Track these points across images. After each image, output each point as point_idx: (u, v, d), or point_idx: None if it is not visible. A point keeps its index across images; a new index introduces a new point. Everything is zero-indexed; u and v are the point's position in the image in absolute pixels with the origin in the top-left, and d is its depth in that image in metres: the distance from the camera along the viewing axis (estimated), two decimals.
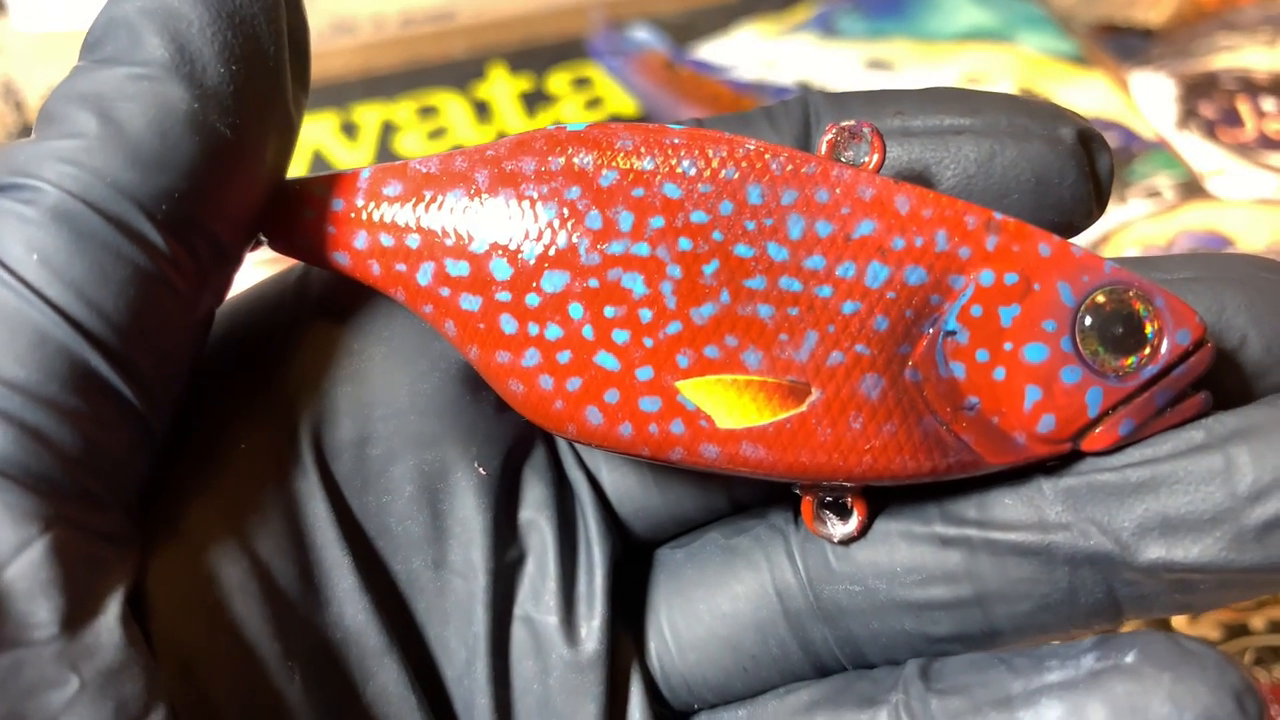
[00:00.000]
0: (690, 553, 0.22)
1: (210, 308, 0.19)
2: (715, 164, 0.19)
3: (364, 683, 0.20)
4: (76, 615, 0.16)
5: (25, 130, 0.51)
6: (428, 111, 0.53)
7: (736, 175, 0.19)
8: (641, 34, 0.57)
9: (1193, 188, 0.47)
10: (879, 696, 0.20)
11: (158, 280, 0.17)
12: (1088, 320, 0.18)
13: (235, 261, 0.19)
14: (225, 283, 0.19)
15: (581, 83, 0.55)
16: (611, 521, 0.22)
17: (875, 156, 0.19)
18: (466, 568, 0.21)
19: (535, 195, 0.19)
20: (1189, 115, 0.49)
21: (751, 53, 0.56)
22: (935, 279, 0.19)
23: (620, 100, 0.54)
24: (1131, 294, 0.18)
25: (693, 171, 0.19)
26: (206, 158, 0.18)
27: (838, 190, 0.19)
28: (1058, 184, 0.20)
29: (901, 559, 0.20)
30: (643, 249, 0.19)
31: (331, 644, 0.20)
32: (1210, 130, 0.48)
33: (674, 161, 0.19)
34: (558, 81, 0.55)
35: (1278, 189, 0.46)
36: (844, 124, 0.19)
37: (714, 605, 0.21)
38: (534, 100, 0.53)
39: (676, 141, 0.19)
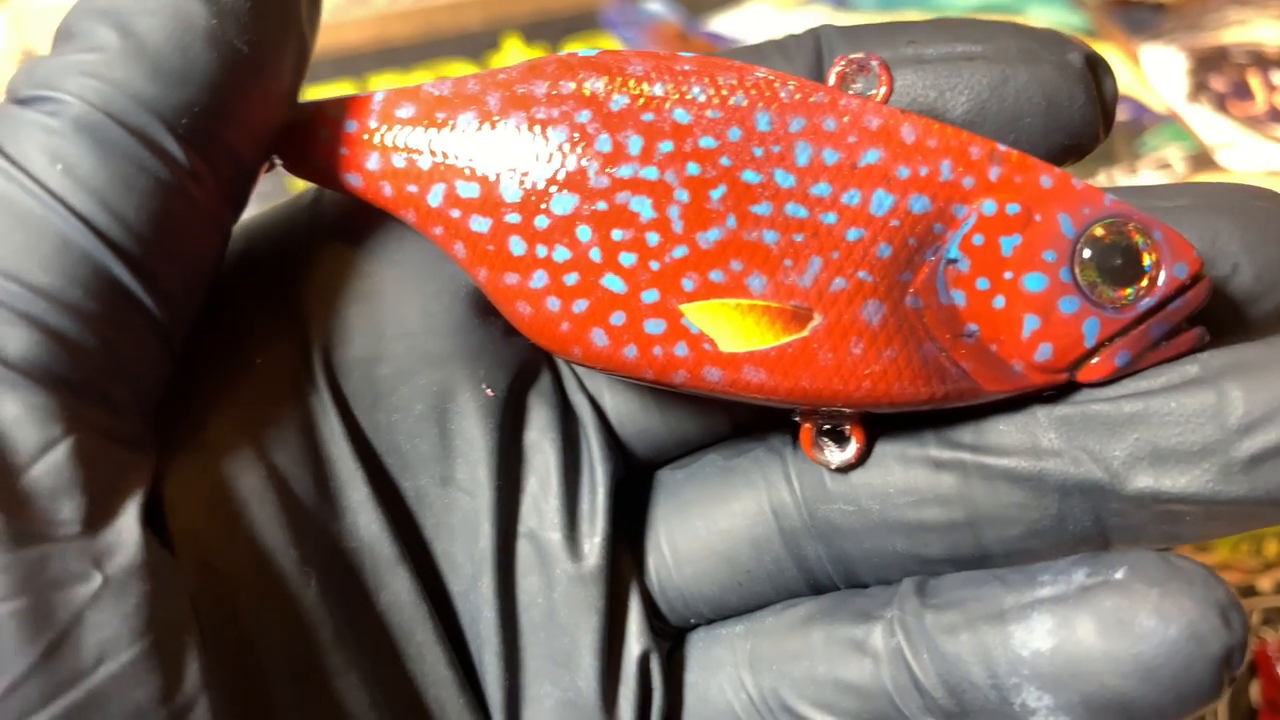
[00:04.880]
0: (690, 473, 0.23)
1: (229, 222, 0.20)
2: (725, 91, 0.19)
3: (377, 591, 0.20)
4: (98, 515, 0.17)
5: None
6: None
7: (745, 102, 0.19)
8: (655, 5, 0.57)
9: (1203, 160, 0.47)
10: (874, 611, 0.20)
11: (178, 192, 0.18)
12: (1087, 251, 0.19)
13: (253, 177, 0.20)
14: (243, 198, 0.20)
15: None
16: (613, 443, 0.23)
17: (883, 89, 0.19)
18: (473, 485, 0.21)
19: (546, 118, 0.19)
20: (1199, 88, 0.49)
21: (765, 25, 0.56)
22: (939, 208, 0.19)
23: None
24: (1131, 227, 0.19)
25: (702, 98, 0.19)
26: (225, 73, 0.18)
27: (845, 119, 0.19)
28: (1068, 106, 0.20)
29: (895, 480, 0.20)
30: (651, 173, 0.19)
31: (346, 553, 0.20)
32: (1221, 103, 0.49)
33: (684, 88, 0.19)
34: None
35: None
36: (852, 56, 0.20)
37: (711, 522, 0.22)
38: None
39: (687, 69, 0.19)
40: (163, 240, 0.18)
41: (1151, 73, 0.51)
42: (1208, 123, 0.48)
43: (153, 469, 0.18)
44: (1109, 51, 0.52)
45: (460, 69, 0.54)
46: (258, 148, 0.19)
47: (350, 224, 0.21)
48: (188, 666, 0.17)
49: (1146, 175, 0.46)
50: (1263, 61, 0.50)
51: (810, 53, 0.21)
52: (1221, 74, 0.50)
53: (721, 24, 0.57)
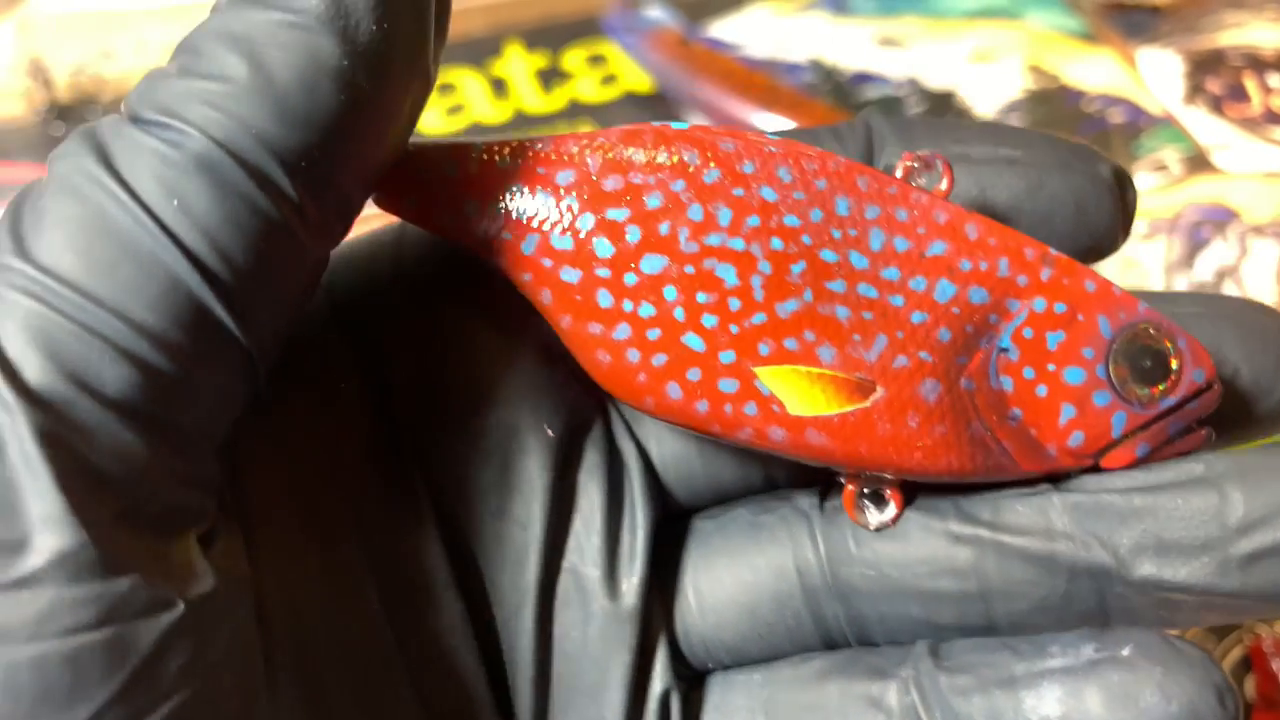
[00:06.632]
0: (720, 524, 0.24)
1: (326, 260, 0.20)
2: (809, 174, 0.21)
3: (432, 611, 0.21)
4: (169, 546, 0.17)
5: (53, 107, 0.51)
6: (445, 88, 0.54)
7: (827, 187, 0.21)
8: (656, 11, 0.58)
9: (1199, 161, 0.48)
10: (889, 670, 0.22)
11: (286, 233, 0.18)
12: (1121, 352, 0.21)
13: (355, 215, 0.20)
14: (343, 236, 0.20)
15: (596, 60, 0.56)
16: (655, 488, 0.24)
17: (945, 184, 0.21)
18: (527, 519, 0.22)
19: (642, 183, 0.21)
20: (1196, 91, 0.51)
21: (764, 30, 0.57)
22: (995, 300, 0.21)
23: (635, 77, 0.55)
24: (1160, 332, 0.21)
25: (788, 179, 0.21)
26: (349, 115, 0.18)
27: (916, 212, 0.21)
28: (1094, 213, 0.22)
29: (916, 550, 0.22)
30: (738, 244, 0.21)
31: (406, 570, 0.21)
32: (1217, 105, 0.50)
33: (772, 168, 0.21)
34: (573, 58, 0.56)
35: None
36: (920, 153, 0.21)
37: (737, 574, 0.23)
38: (550, 77, 0.55)
39: (773, 150, 0.21)
40: (265, 280, 0.18)
41: (1148, 75, 0.52)
42: (1204, 125, 0.49)
43: (216, 501, 0.19)
44: (1106, 54, 0.53)
45: (463, 75, 0.55)
46: (366, 189, 0.20)
47: (432, 263, 0.22)
48: (258, 694, 0.18)
49: (1143, 177, 0.48)
50: (1258, 64, 0.52)
51: (861, 140, 0.23)
52: (1218, 76, 0.51)
53: (721, 29, 0.58)
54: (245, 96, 0.17)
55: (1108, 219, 0.23)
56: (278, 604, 0.19)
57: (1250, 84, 0.51)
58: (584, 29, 0.57)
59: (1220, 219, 0.46)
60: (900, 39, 0.56)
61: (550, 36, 0.57)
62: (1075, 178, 0.22)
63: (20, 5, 0.54)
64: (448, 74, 0.54)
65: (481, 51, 0.56)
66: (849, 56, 0.56)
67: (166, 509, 0.17)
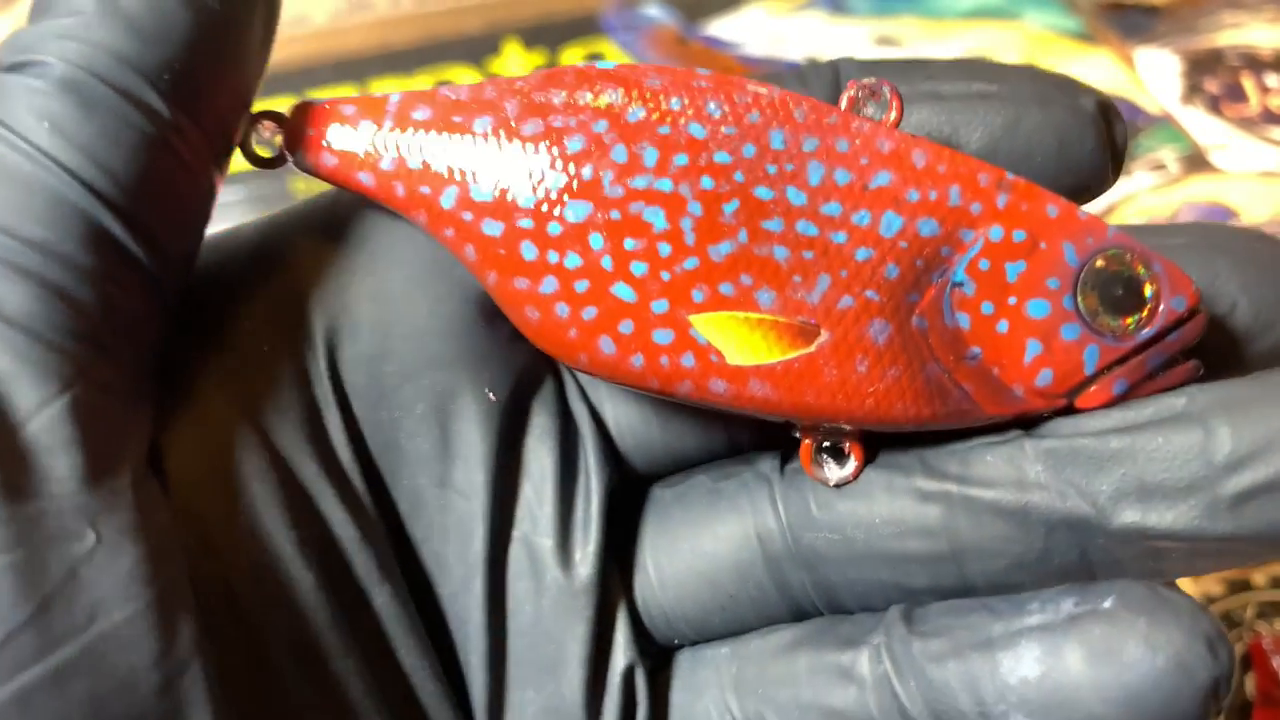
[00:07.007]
0: (678, 493, 0.23)
1: (214, 179, 0.20)
2: (740, 108, 0.19)
3: (372, 586, 0.20)
4: (95, 472, 0.17)
5: None
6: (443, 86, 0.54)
7: (760, 120, 0.19)
8: (653, 10, 0.58)
9: (1197, 161, 0.48)
10: (860, 638, 0.20)
11: (164, 146, 0.18)
12: (1089, 280, 0.19)
13: (233, 134, 0.20)
14: (226, 155, 0.20)
15: (594, 58, 0.55)
16: (610, 454, 0.23)
17: (893, 114, 0.20)
18: (469, 488, 0.21)
19: (563, 126, 0.19)
20: (1194, 90, 0.50)
21: (762, 29, 0.57)
22: (946, 232, 0.19)
23: None
24: (1133, 257, 0.19)
25: (718, 114, 0.19)
26: (200, 29, 0.18)
27: (857, 141, 0.19)
28: (1078, 149, 0.21)
29: (881, 511, 0.20)
30: (666, 185, 0.19)
31: (344, 543, 0.20)
32: (1214, 105, 0.50)
33: (700, 103, 0.19)
34: (571, 57, 0.55)
35: None
36: (864, 81, 0.20)
37: (696, 544, 0.22)
38: None
39: (703, 85, 0.20)
40: (151, 193, 0.18)
41: (1146, 75, 0.51)
42: (1202, 124, 0.49)
43: (150, 425, 0.19)
44: (1103, 55, 0.53)
45: (461, 74, 0.54)
46: (236, 102, 0.20)
47: (364, 225, 0.22)
48: (180, 631, 0.17)
49: (1141, 176, 0.47)
50: (1256, 64, 0.51)
51: (828, 83, 0.22)
52: (1215, 76, 0.51)
53: (719, 28, 0.57)
54: (97, 23, 0.18)
55: (1092, 155, 0.21)
56: (205, 571, 0.19)
57: (1248, 84, 0.51)
58: (582, 27, 0.57)
59: (1218, 218, 0.46)
60: (897, 38, 0.56)
61: (548, 35, 0.56)
62: (1055, 111, 0.21)
63: (14, 4, 0.55)
64: (446, 72, 0.54)
65: (479, 50, 0.55)
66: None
67: (94, 430, 0.17)
